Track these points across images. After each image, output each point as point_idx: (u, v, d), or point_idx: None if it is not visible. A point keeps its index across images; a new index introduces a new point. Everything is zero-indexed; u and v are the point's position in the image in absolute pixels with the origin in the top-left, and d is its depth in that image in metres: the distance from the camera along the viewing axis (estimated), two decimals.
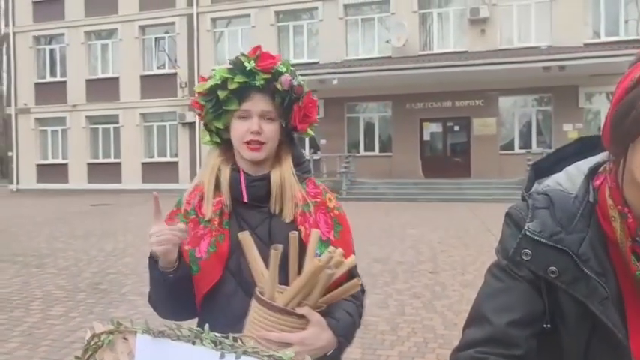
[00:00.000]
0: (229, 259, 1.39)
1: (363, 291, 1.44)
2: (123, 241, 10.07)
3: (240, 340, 0.85)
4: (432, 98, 19.84)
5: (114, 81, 23.77)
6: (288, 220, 1.41)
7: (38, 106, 24.77)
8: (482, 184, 17.98)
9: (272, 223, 1.42)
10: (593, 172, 0.98)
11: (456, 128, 20.38)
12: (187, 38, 22.78)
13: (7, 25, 25.79)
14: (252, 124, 1.40)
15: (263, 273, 1.19)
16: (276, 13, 21.76)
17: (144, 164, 23.42)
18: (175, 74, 22.50)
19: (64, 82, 24.50)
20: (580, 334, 0.92)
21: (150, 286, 1.43)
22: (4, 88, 33.98)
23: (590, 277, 0.89)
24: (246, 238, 1.22)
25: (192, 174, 22.65)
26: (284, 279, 1.20)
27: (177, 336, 0.89)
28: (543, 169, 1.08)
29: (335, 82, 18.10)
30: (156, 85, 23.06)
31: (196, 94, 1.47)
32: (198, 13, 22.53)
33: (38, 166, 24.92)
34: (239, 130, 1.42)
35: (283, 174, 1.44)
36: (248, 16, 22.05)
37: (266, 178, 1.43)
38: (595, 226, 0.93)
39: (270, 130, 1.42)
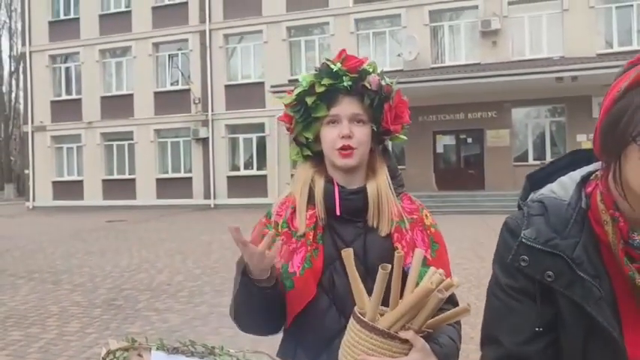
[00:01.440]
0: (323, 274, 1.35)
1: None
2: (137, 257, 10.12)
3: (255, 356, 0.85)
4: (445, 110, 19.80)
5: (128, 98, 24.03)
6: (383, 236, 1.36)
7: (54, 123, 25.10)
8: (497, 195, 17.84)
9: (367, 239, 1.36)
10: (584, 179, 1.03)
11: (469, 140, 20.31)
12: (200, 54, 23.00)
13: (23, 44, 26.22)
14: (343, 128, 1.35)
15: (363, 293, 1.13)
16: (288, 29, 21.93)
17: (158, 180, 23.57)
18: (189, 90, 22.70)
19: (79, 100, 24.81)
20: (577, 334, 0.95)
21: (234, 296, 1.36)
22: (21, 106, 34.56)
23: (585, 280, 0.93)
24: (349, 255, 1.15)
25: (206, 189, 22.78)
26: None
27: (191, 352, 0.89)
28: (538, 179, 1.11)
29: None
30: (169, 101, 23.28)
31: (284, 107, 1.44)
32: (210, 30, 22.77)
33: (54, 183, 25.18)
34: (329, 136, 1.37)
35: (380, 186, 1.38)
36: (260, 32, 22.24)
37: (362, 191, 1.38)
38: (588, 230, 0.97)
39: (362, 134, 1.37)
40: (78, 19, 24.93)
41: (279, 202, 1.47)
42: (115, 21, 24.27)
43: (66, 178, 25.17)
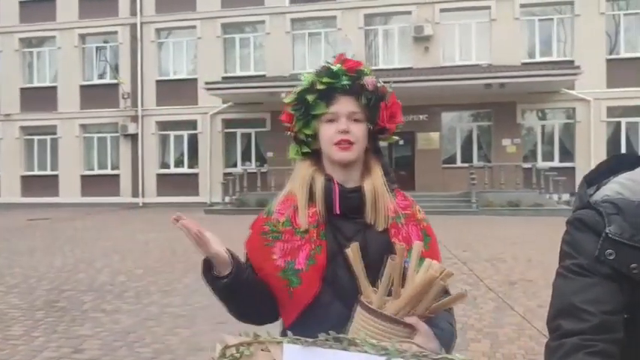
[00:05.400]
0: (326, 269, 1.40)
1: None
2: (71, 256, 9.67)
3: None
4: None
5: (51, 90, 22.87)
6: (381, 231, 1.43)
7: None
8: (427, 196, 18.36)
9: (367, 234, 1.43)
10: None
11: (401, 142, 20.77)
12: (130, 48, 22.24)
13: None
14: (341, 124, 1.43)
15: (368, 284, 1.20)
16: (223, 26, 21.63)
17: (83, 177, 22.60)
18: (117, 85, 21.89)
19: None
20: None
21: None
22: None
23: None
24: (354, 250, 1.22)
25: (135, 187, 22.09)
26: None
27: (329, 345, 0.90)
28: (592, 179, 1.25)
29: (283, 95, 18.00)
30: (97, 95, 22.35)
31: (285, 107, 1.50)
32: (142, 23, 22.07)
33: None
34: (328, 133, 1.45)
35: (376, 185, 1.46)
36: (194, 27, 21.80)
37: (359, 190, 1.45)
38: None
39: (358, 130, 1.45)
40: None
41: (280, 200, 1.51)
42: (37, 8, 23.02)
43: None
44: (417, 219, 1.50)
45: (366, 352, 0.87)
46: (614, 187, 1.17)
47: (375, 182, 1.46)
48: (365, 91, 1.45)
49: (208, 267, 1.35)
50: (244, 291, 1.38)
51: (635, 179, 1.16)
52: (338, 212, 1.43)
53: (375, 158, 1.52)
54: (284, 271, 1.40)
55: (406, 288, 1.15)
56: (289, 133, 1.54)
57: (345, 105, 1.44)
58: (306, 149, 1.52)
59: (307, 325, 1.33)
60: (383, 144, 1.64)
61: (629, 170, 1.21)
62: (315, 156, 1.52)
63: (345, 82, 1.44)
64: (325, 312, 1.38)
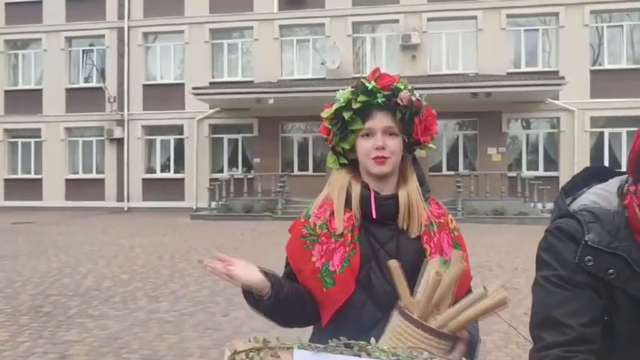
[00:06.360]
0: (360, 272, 1.44)
1: None
2: (56, 261, 9.57)
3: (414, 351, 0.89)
4: None
5: (36, 93, 22.62)
6: (413, 238, 1.48)
7: None
8: None
9: (400, 240, 1.48)
10: (621, 192, 1.22)
11: None
12: (117, 52, 22.10)
13: None
14: (377, 140, 1.48)
15: (410, 296, 1.23)
16: (211, 31, 21.59)
17: (67, 180, 22.35)
18: (104, 88, 21.73)
19: None
20: (633, 322, 1.15)
21: None
22: None
23: None
24: (396, 266, 1.26)
25: (120, 191, 21.91)
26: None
27: (340, 351, 0.91)
28: (569, 189, 1.33)
29: (271, 101, 18.15)
30: (82, 98, 22.13)
31: (323, 120, 1.55)
32: (129, 27, 21.94)
33: None
34: (364, 147, 1.50)
35: (410, 193, 1.51)
36: (182, 32, 21.72)
37: (395, 197, 1.50)
38: (631, 235, 1.16)
39: (394, 144, 1.50)
40: None
41: (317, 204, 1.56)
42: (24, 10, 22.79)
43: None
44: (450, 228, 1.56)
45: (377, 357, 0.88)
46: (591, 197, 1.24)
47: (410, 190, 1.51)
48: (400, 107, 1.49)
49: (248, 290, 1.39)
50: (287, 305, 1.42)
51: (609, 190, 1.24)
52: (375, 217, 1.48)
53: (411, 168, 1.57)
54: (320, 273, 1.45)
55: (470, 309, 1.20)
56: (327, 143, 1.60)
57: (380, 121, 1.49)
58: (343, 160, 1.57)
59: (341, 326, 1.38)
60: None
61: (601, 182, 1.28)
62: (351, 165, 1.58)
63: (381, 100, 1.49)
64: (358, 314, 1.43)
